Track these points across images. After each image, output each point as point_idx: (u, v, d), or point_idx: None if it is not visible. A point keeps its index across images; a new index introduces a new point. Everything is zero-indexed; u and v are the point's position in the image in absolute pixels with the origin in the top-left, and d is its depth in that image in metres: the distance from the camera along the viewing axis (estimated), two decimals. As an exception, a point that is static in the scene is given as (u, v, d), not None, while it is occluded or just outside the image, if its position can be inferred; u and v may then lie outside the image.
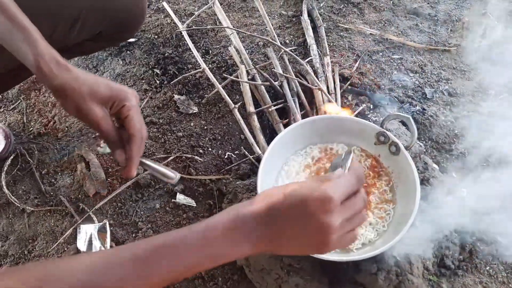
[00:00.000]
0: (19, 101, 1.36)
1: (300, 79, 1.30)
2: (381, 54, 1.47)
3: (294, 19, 1.57)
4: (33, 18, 0.71)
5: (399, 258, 0.90)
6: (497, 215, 0.96)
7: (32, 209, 1.14)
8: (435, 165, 1.12)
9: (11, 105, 1.36)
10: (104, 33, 0.98)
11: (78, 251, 1.06)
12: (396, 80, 1.39)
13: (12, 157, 1.22)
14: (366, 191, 0.97)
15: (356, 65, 1.42)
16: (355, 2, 1.62)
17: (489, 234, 1.02)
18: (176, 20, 1.46)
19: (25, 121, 1.32)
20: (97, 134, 1.27)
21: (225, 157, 1.22)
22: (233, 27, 1.48)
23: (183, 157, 1.21)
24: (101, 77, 0.73)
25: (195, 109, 1.32)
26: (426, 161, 1.09)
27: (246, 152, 1.18)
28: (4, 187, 1.17)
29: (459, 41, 1.51)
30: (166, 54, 1.45)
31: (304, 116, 1.19)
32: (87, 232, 1.09)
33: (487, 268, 1.00)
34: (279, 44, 1.39)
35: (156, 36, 1.51)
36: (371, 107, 1.30)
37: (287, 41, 1.50)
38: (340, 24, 1.55)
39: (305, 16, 1.52)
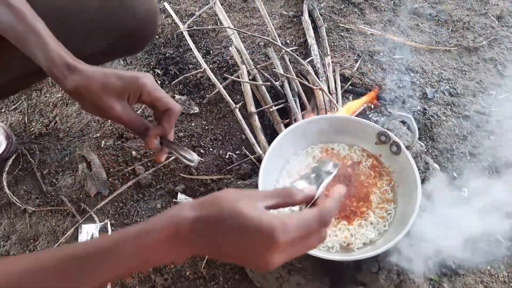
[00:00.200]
0: (21, 101, 1.37)
1: (301, 79, 1.30)
2: (382, 54, 1.47)
3: (295, 19, 1.58)
4: None
5: (400, 257, 0.90)
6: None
7: (33, 209, 1.14)
8: (436, 165, 1.12)
9: (12, 105, 1.36)
10: (116, 46, 0.97)
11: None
12: (397, 80, 1.39)
13: (13, 157, 1.22)
14: (367, 191, 0.97)
15: (357, 65, 1.42)
16: (356, 2, 1.62)
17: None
18: (177, 20, 1.46)
19: (26, 121, 1.32)
20: (98, 134, 1.27)
21: (226, 157, 1.22)
22: (234, 27, 1.48)
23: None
24: (110, 69, 0.73)
25: (196, 109, 1.32)
26: (427, 161, 1.09)
27: (247, 152, 1.19)
28: (6, 187, 1.17)
29: (459, 41, 1.51)
30: (167, 55, 1.45)
31: (305, 116, 1.19)
32: (88, 232, 1.09)
33: (488, 267, 1.00)
34: (280, 44, 1.39)
35: (157, 37, 1.51)
36: (372, 107, 1.30)
37: (288, 41, 1.50)
38: (341, 24, 1.55)
39: (306, 16, 1.53)
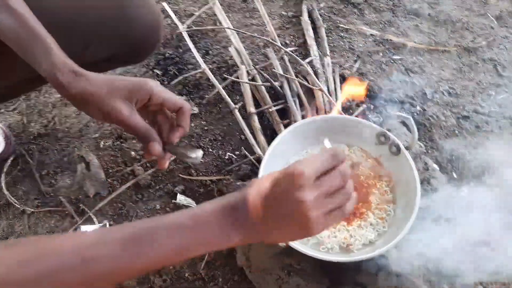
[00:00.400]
0: (19, 101, 1.36)
1: (301, 79, 1.30)
2: (381, 54, 1.47)
3: (294, 20, 1.57)
4: None
5: (400, 258, 0.90)
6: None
7: (32, 210, 1.14)
8: (435, 166, 1.12)
9: (11, 106, 1.36)
10: (118, 56, 0.96)
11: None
12: (397, 80, 1.39)
13: (12, 158, 1.22)
14: (366, 191, 0.97)
15: (356, 65, 1.42)
16: (355, 3, 1.62)
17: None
18: (176, 20, 1.46)
19: (25, 122, 1.32)
20: (97, 135, 1.27)
21: (226, 157, 1.22)
22: (233, 27, 1.48)
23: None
24: (115, 75, 0.73)
25: (196, 110, 1.32)
26: (426, 162, 1.09)
27: (247, 153, 1.18)
28: (4, 188, 1.17)
29: (459, 41, 1.51)
30: (166, 55, 1.45)
31: (304, 116, 1.19)
32: (87, 233, 1.09)
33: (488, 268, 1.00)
34: (280, 45, 1.39)
35: (156, 37, 1.51)
36: (372, 108, 1.30)
37: (288, 41, 1.50)
38: (340, 25, 1.55)
39: (305, 16, 1.53)
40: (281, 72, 1.31)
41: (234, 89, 1.35)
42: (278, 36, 1.48)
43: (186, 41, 1.39)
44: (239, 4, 1.63)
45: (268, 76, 1.29)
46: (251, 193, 0.57)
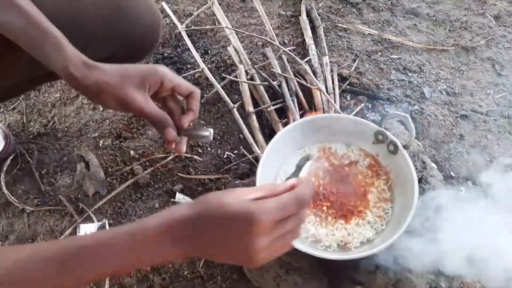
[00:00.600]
0: (19, 101, 1.37)
1: (299, 79, 1.30)
2: (379, 54, 1.47)
3: (292, 19, 1.58)
4: None
5: (398, 256, 0.90)
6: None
7: (31, 209, 1.14)
8: (433, 164, 1.12)
9: (10, 105, 1.36)
10: (117, 55, 0.97)
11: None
12: (395, 79, 1.39)
13: (11, 157, 1.22)
14: (364, 190, 0.98)
15: (355, 65, 1.42)
16: (354, 2, 1.63)
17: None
18: (175, 20, 1.46)
19: (24, 121, 1.32)
20: (96, 134, 1.27)
21: (224, 156, 1.22)
22: (232, 27, 1.48)
23: (182, 156, 1.21)
24: (125, 64, 0.74)
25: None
26: (424, 160, 1.09)
27: (245, 152, 1.19)
28: (4, 187, 1.17)
29: (457, 40, 1.51)
30: (165, 54, 1.45)
31: (302, 115, 1.20)
32: (86, 231, 1.09)
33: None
34: (278, 44, 1.39)
35: (155, 37, 1.51)
36: (370, 107, 1.30)
37: (286, 41, 1.51)
38: (338, 24, 1.55)
39: (303, 16, 1.53)
40: (280, 72, 1.31)
41: (232, 88, 1.36)
42: (277, 35, 1.49)
43: (185, 40, 1.40)
44: (237, 3, 1.64)
45: (266, 76, 1.29)
46: (200, 214, 0.54)
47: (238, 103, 1.26)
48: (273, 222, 0.54)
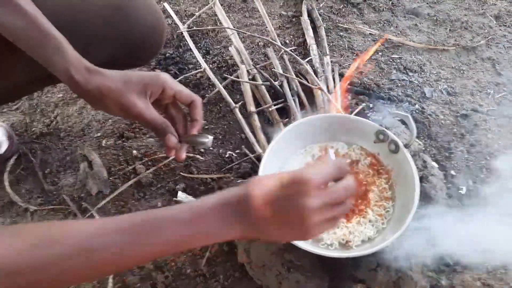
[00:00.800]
0: (22, 101, 1.38)
1: (300, 78, 1.31)
2: (380, 53, 1.48)
3: (294, 20, 1.59)
4: None
5: (398, 254, 0.91)
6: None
7: (35, 208, 1.15)
8: (434, 163, 1.13)
9: (14, 105, 1.37)
10: (118, 59, 0.97)
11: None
12: (396, 79, 1.40)
13: (15, 157, 1.23)
14: (365, 189, 0.98)
15: (356, 64, 1.43)
16: (355, 3, 1.63)
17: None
18: (177, 20, 1.47)
19: (27, 121, 1.33)
20: (99, 134, 1.28)
21: (226, 156, 1.23)
22: (234, 27, 1.49)
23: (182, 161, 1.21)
24: (128, 70, 0.74)
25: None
26: (425, 159, 1.10)
27: (247, 151, 1.20)
28: (7, 186, 1.18)
29: (458, 40, 1.52)
30: (167, 55, 1.46)
31: (304, 115, 1.20)
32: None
33: (486, 264, 1.01)
34: (279, 44, 1.40)
35: (157, 37, 1.52)
36: (371, 106, 1.31)
37: (287, 41, 1.51)
38: (339, 24, 1.56)
39: (305, 16, 1.54)
40: (281, 72, 1.32)
41: (234, 88, 1.37)
42: (278, 35, 1.50)
43: (186, 41, 1.41)
44: (239, 4, 1.65)
45: (268, 76, 1.30)
46: (255, 190, 0.58)
47: (239, 103, 1.27)
48: (321, 183, 0.58)
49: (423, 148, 1.20)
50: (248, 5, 1.64)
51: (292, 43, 1.51)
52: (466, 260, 0.99)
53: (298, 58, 1.33)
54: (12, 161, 1.22)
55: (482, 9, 1.63)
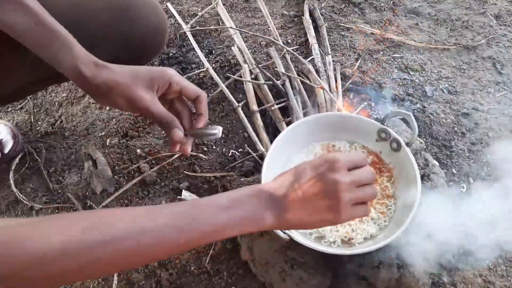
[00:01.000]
0: (27, 100, 1.39)
1: (302, 78, 1.32)
2: (382, 53, 1.49)
3: (296, 19, 1.60)
4: None
5: (401, 252, 0.92)
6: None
7: (40, 206, 1.16)
8: (435, 162, 1.14)
9: (18, 104, 1.38)
10: (122, 59, 0.97)
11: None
12: (397, 78, 1.41)
13: (20, 156, 1.25)
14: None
15: (357, 64, 1.44)
16: (356, 2, 1.64)
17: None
18: (180, 20, 1.48)
19: (32, 120, 1.34)
20: (103, 133, 1.29)
21: (229, 154, 1.24)
22: (236, 27, 1.50)
23: (188, 155, 1.22)
24: (134, 65, 0.75)
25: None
26: (426, 158, 1.11)
27: (250, 150, 1.21)
28: (13, 185, 1.19)
29: (458, 39, 1.53)
30: (170, 54, 1.47)
31: (306, 114, 1.21)
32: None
33: (487, 261, 1.02)
34: (282, 44, 1.41)
35: (160, 37, 1.53)
36: (372, 105, 1.32)
37: (289, 40, 1.52)
38: (341, 24, 1.57)
39: (306, 16, 1.55)
40: (283, 71, 1.33)
41: (237, 87, 1.38)
42: (280, 35, 1.51)
43: (189, 40, 1.42)
44: (241, 4, 1.66)
45: (270, 75, 1.31)
46: (282, 179, 0.64)
47: (242, 102, 1.28)
48: (348, 164, 0.64)
49: (425, 147, 1.21)
50: (251, 5, 1.65)
51: (294, 42, 1.52)
52: (467, 256, 1.00)
53: (300, 57, 1.34)
54: (17, 160, 1.24)
55: (483, 9, 1.63)
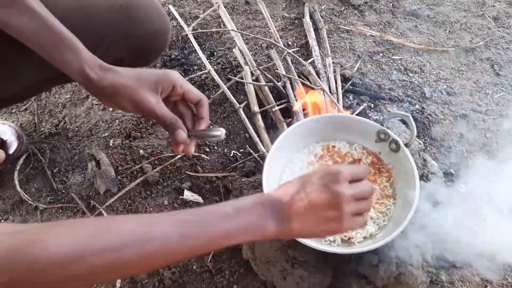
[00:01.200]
0: (31, 102, 1.40)
1: (303, 79, 1.34)
2: (381, 55, 1.50)
3: (296, 21, 1.61)
4: None
5: (399, 251, 0.93)
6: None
7: (44, 206, 1.18)
8: (434, 162, 1.15)
9: (22, 106, 1.40)
10: (124, 60, 0.97)
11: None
12: (396, 80, 1.42)
13: (24, 156, 1.26)
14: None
15: (357, 65, 1.45)
16: (356, 5, 1.66)
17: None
18: (182, 23, 1.49)
19: (36, 121, 1.36)
20: (106, 134, 1.31)
21: (231, 155, 1.26)
22: (237, 29, 1.52)
23: (190, 155, 1.24)
24: (138, 68, 0.77)
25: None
26: (425, 158, 1.12)
27: (251, 150, 1.22)
28: (17, 185, 1.21)
29: (457, 41, 1.54)
30: (172, 56, 1.49)
31: (306, 115, 1.23)
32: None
33: (484, 260, 1.03)
34: (282, 46, 1.42)
35: (162, 39, 1.54)
36: (372, 106, 1.33)
37: (290, 42, 1.54)
38: (341, 26, 1.59)
39: (307, 18, 1.56)
40: (284, 72, 1.34)
41: (238, 89, 1.39)
42: (281, 37, 1.52)
43: (191, 42, 1.43)
44: (242, 6, 1.67)
45: (271, 76, 1.32)
46: (285, 189, 0.66)
47: (243, 104, 1.30)
48: (349, 177, 0.66)
49: (423, 147, 1.22)
50: (252, 8, 1.66)
51: (295, 44, 1.53)
52: (465, 256, 1.01)
53: (300, 59, 1.35)
54: (21, 160, 1.25)
55: (481, 11, 1.65)
